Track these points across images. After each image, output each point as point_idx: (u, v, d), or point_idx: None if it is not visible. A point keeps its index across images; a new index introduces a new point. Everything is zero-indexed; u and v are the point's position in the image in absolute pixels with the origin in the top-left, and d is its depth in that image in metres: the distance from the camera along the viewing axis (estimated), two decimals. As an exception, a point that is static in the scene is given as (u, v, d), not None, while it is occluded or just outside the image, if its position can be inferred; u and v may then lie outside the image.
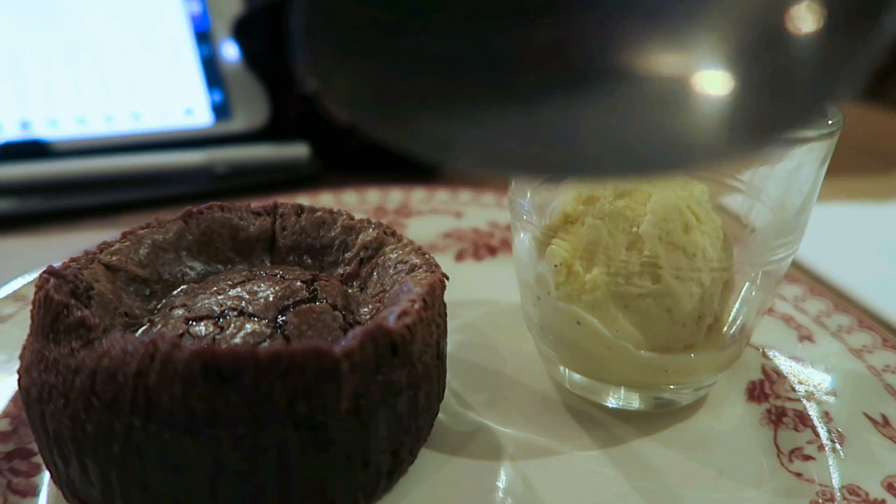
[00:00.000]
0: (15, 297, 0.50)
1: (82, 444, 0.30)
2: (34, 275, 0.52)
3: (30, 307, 0.50)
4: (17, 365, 0.44)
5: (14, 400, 0.41)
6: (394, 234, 0.45)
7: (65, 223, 0.71)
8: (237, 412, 0.28)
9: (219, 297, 0.37)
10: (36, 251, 0.66)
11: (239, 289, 0.38)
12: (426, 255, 0.42)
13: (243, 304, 0.37)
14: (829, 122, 0.39)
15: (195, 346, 0.29)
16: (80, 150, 0.77)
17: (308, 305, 0.37)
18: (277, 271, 0.41)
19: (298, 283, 0.39)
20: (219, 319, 0.35)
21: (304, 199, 0.67)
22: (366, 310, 0.40)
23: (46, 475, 0.37)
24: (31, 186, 0.74)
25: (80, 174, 0.75)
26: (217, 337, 0.34)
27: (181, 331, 0.35)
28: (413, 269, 0.41)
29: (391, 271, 0.42)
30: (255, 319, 0.35)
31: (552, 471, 0.39)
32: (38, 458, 0.38)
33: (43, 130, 0.78)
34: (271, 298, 0.37)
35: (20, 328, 0.47)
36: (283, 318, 0.36)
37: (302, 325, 0.35)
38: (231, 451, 0.29)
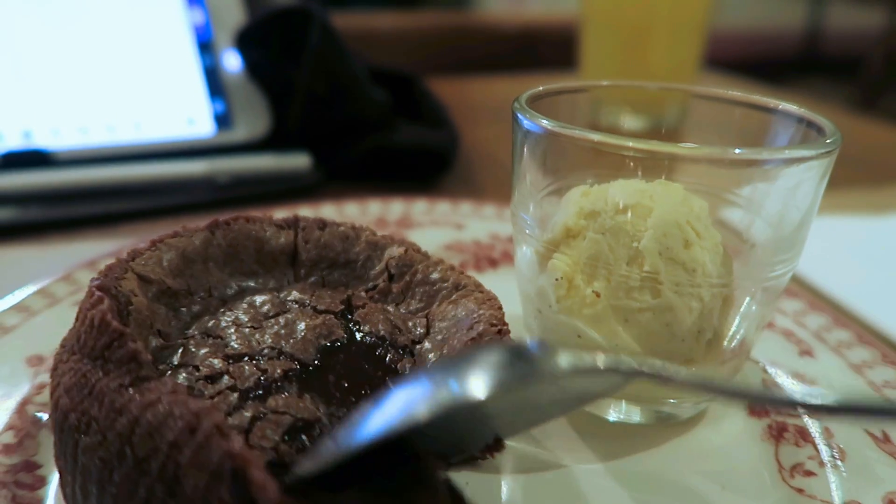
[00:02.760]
0: (18, 308, 0.50)
1: (105, 489, 0.30)
2: (39, 286, 0.53)
3: (33, 319, 0.50)
4: (21, 378, 0.45)
5: (18, 412, 0.42)
6: (419, 251, 0.45)
7: (66, 233, 0.71)
8: None
9: (256, 335, 0.38)
10: (37, 260, 0.66)
11: (273, 322, 0.39)
12: (466, 274, 0.44)
13: (282, 342, 0.37)
14: (828, 140, 0.39)
15: (234, 445, 0.27)
16: (82, 159, 0.78)
17: (346, 352, 0.38)
18: (307, 299, 0.41)
19: (333, 319, 0.40)
20: (258, 359, 0.36)
21: (305, 210, 0.68)
22: (412, 324, 0.41)
23: (51, 488, 0.37)
24: (32, 196, 0.74)
25: (82, 184, 0.75)
26: (260, 412, 0.33)
27: (220, 368, 0.35)
28: (458, 287, 0.42)
29: (430, 289, 0.43)
30: (293, 360, 0.36)
31: (553, 484, 0.40)
32: (43, 471, 0.38)
33: (45, 140, 0.78)
34: (309, 336, 0.38)
35: (24, 340, 0.47)
36: (321, 363, 0.37)
37: (340, 381, 0.36)
38: None
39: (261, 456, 0.31)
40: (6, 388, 0.43)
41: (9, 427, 0.40)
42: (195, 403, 0.29)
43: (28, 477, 0.38)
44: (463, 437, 0.36)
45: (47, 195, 0.74)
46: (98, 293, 0.34)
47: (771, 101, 0.46)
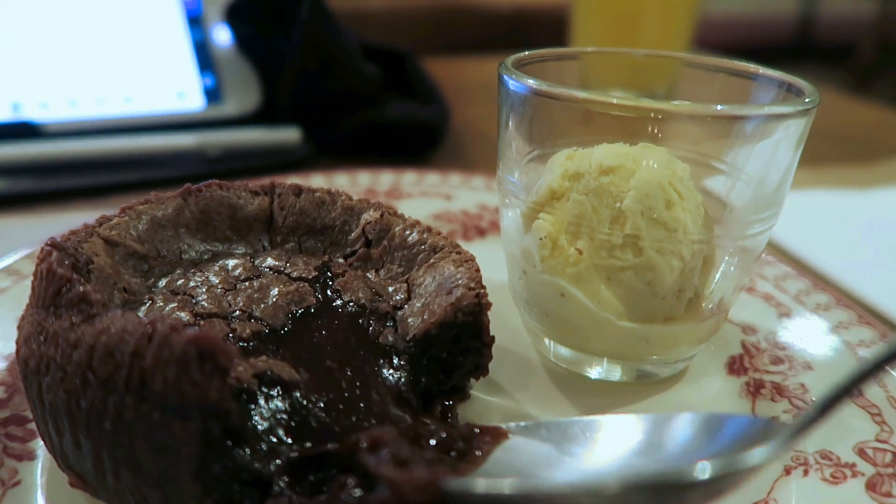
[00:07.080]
0: (8, 271, 0.50)
1: (76, 419, 0.30)
2: (29, 250, 0.53)
3: (23, 282, 0.50)
4: (11, 337, 0.45)
5: (9, 369, 0.42)
6: (396, 213, 0.46)
7: (56, 204, 0.71)
8: (228, 404, 0.29)
9: (227, 297, 0.38)
10: (27, 231, 0.66)
11: (246, 286, 0.39)
12: (443, 235, 0.44)
13: (252, 306, 0.37)
14: (807, 99, 0.40)
15: (193, 332, 0.28)
16: (72, 132, 0.78)
17: (320, 320, 0.38)
18: (282, 266, 0.41)
19: (307, 286, 0.40)
20: (229, 320, 0.36)
21: (294, 181, 0.68)
22: (392, 289, 0.41)
23: (41, 441, 0.38)
24: (22, 167, 0.74)
25: (72, 156, 0.75)
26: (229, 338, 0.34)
27: (188, 321, 0.35)
28: (435, 249, 0.43)
29: (409, 253, 0.43)
30: (263, 324, 0.37)
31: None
32: (34, 425, 0.39)
33: (34, 112, 0.78)
34: (280, 302, 0.38)
35: (14, 302, 0.48)
36: (292, 329, 0.37)
37: (314, 348, 0.37)
38: (220, 440, 0.29)
39: (217, 332, 0.33)
40: (-3, 346, 0.44)
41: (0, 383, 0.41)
42: (146, 317, 0.30)
43: (19, 430, 0.39)
44: None
45: (37, 167, 0.75)
46: (47, 248, 0.35)
47: (752, 66, 0.47)
